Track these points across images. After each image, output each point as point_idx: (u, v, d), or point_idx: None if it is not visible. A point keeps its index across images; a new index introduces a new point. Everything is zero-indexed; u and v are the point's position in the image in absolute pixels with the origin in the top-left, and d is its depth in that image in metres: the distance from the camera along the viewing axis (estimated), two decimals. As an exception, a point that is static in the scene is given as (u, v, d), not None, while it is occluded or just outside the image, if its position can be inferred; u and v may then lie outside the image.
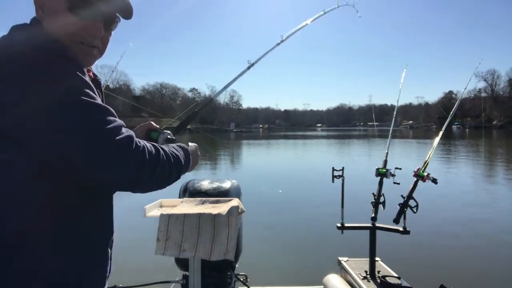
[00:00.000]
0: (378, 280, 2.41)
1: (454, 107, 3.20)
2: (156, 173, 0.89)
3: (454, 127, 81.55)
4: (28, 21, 0.96)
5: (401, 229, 2.42)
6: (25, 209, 0.82)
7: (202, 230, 1.86)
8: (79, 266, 0.90)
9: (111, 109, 0.86)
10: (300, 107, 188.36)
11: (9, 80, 0.78)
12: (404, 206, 2.40)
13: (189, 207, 2.04)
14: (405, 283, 2.35)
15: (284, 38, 1.83)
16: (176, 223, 1.87)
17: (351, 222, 2.58)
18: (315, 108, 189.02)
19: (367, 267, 2.52)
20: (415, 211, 2.36)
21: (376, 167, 2.61)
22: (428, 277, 4.01)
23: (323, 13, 2.10)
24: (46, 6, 0.93)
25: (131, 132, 0.87)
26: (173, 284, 2.29)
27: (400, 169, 2.57)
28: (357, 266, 2.60)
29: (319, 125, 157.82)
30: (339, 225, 2.57)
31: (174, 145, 1.09)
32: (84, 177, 0.83)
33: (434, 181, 2.44)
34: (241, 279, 2.44)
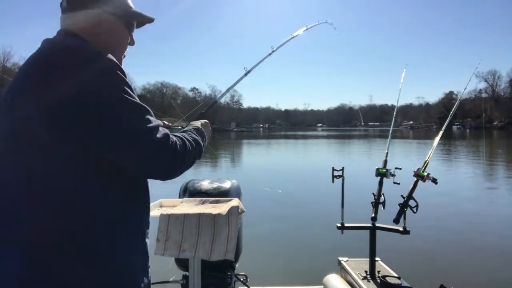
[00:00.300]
0: (378, 280, 2.41)
1: (454, 106, 3.19)
2: (185, 164, 1.04)
3: (455, 128, 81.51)
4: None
5: (401, 229, 2.42)
6: (90, 200, 0.92)
7: (202, 230, 1.86)
8: (133, 253, 1.01)
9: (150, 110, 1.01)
10: (301, 107, 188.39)
11: (83, 83, 0.90)
12: (404, 206, 2.40)
13: (189, 207, 2.04)
14: (405, 283, 2.35)
15: (274, 49, 2.00)
16: (176, 223, 1.87)
17: (351, 222, 2.58)
18: (315, 108, 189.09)
19: (367, 267, 2.52)
20: (415, 211, 2.36)
21: (376, 167, 2.61)
22: (428, 277, 4.01)
23: (306, 28, 2.38)
24: (106, 28, 1.09)
25: (167, 130, 1.00)
26: (173, 284, 2.30)
27: (400, 169, 2.57)
28: (357, 266, 2.60)
29: (320, 125, 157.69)
30: (339, 225, 2.57)
31: (193, 130, 1.21)
32: (133, 171, 0.98)
33: (434, 181, 2.44)
34: (241, 279, 2.44)
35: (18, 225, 0.91)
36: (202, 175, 2.45)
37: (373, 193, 2.57)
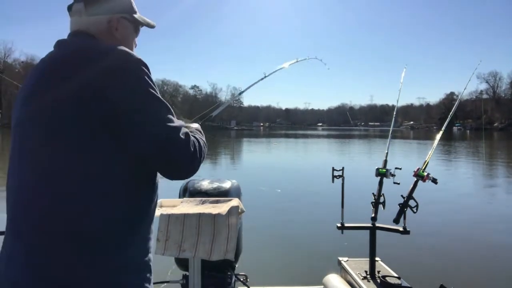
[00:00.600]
0: (378, 280, 2.41)
1: (454, 106, 3.20)
2: (200, 164, 1.08)
3: (455, 129, 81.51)
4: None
5: (401, 229, 2.42)
6: (118, 190, 0.95)
7: (202, 230, 1.86)
8: (137, 252, 1.03)
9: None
10: (301, 106, 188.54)
11: (114, 80, 0.94)
12: (404, 206, 2.40)
13: (189, 207, 2.04)
14: (405, 283, 2.35)
15: (266, 75, 2.15)
16: (176, 223, 1.87)
17: (351, 222, 2.58)
18: (316, 107, 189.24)
19: (367, 267, 2.52)
20: (415, 211, 2.36)
21: (376, 167, 2.61)
22: (428, 277, 4.02)
23: (296, 60, 2.52)
24: (120, 30, 1.16)
25: (187, 130, 1.04)
26: (173, 284, 2.30)
27: (400, 169, 2.57)
28: (357, 266, 2.60)
29: (320, 124, 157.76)
30: (339, 225, 2.57)
31: (196, 130, 1.24)
32: (157, 167, 1.02)
33: (434, 181, 2.44)
34: (241, 279, 2.44)
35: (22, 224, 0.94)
36: (202, 175, 2.44)
37: (373, 193, 2.57)
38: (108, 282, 0.93)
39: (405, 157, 18.12)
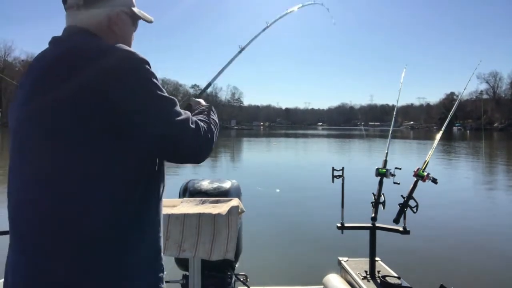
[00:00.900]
0: (378, 280, 2.41)
1: (454, 107, 3.19)
2: (212, 147, 1.09)
3: (455, 129, 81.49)
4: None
5: (401, 229, 2.42)
6: (118, 190, 0.94)
7: (202, 230, 1.86)
8: (151, 242, 1.06)
9: None
10: (301, 106, 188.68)
11: (117, 79, 0.92)
12: (404, 206, 2.40)
13: (189, 207, 2.04)
14: (405, 283, 2.35)
15: (268, 25, 1.97)
16: (176, 223, 1.87)
17: (351, 222, 2.58)
18: (316, 107, 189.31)
19: (367, 267, 2.52)
20: (415, 211, 2.36)
21: (376, 167, 2.60)
22: (428, 277, 4.02)
23: (301, 5, 2.34)
24: (120, 25, 1.12)
25: (195, 118, 1.05)
26: (173, 284, 2.29)
27: (400, 169, 2.57)
28: (357, 266, 2.60)
29: (320, 124, 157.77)
30: (339, 225, 2.57)
31: (207, 109, 1.24)
32: (171, 158, 1.02)
33: (434, 181, 2.44)
34: (241, 279, 2.44)
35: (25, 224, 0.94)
36: (202, 175, 2.44)
37: (373, 193, 2.57)
38: (108, 282, 0.93)
39: (405, 157, 18.12)
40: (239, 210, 1.95)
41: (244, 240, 2.43)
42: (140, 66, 0.97)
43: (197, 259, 2.03)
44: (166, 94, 0.99)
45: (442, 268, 4.54)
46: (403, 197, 2.41)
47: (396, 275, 2.46)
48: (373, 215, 2.52)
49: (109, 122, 0.91)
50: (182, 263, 2.23)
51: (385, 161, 2.67)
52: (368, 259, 2.52)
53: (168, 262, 2.26)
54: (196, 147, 1.01)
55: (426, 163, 2.52)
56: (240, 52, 1.79)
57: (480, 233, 6.20)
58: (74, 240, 0.90)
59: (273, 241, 5.56)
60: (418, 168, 2.46)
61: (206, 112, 1.21)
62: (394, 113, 3.19)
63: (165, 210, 1.96)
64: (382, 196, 2.54)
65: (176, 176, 10.03)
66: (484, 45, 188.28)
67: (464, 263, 4.87)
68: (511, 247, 5.49)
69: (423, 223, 5.71)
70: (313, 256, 4.89)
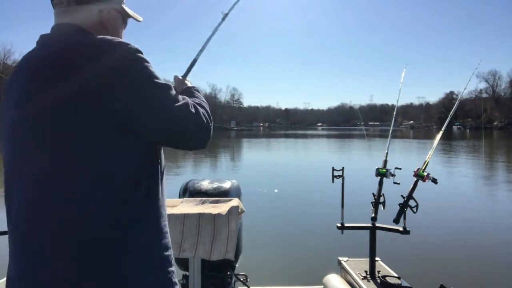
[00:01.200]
0: (378, 280, 2.41)
1: (454, 106, 3.19)
2: (212, 127, 1.08)
3: (455, 128, 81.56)
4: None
5: (401, 229, 2.42)
6: (119, 190, 0.93)
7: (202, 230, 1.86)
8: (154, 242, 1.04)
9: None
10: (301, 106, 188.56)
11: (116, 73, 0.92)
12: (404, 206, 2.40)
13: (189, 207, 2.04)
14: (405, 283, 2.35)
15: (226, 12, 1.90)
16: (176, 223, 1.87)
17: (351, 222, 2.58)
18: (315, 107, 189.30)
19: (367, 267, 2.52)
20: (415, 211, 2.36)
21: (376, 167, 2.61)
22: (428, 277, 4.02)
23: None
24: (112, 22, 1.11)
25: (192, 101, 1.04)
26: None
27: (400, 169, 2.57)
28: (357, 266, 2.61)
29: (320, 124, 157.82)
30: (339, 225, 2.57)
31: (195, 91, 1.26)
32: (177, 145, 1.04)
33: (434, 181, 2.44)
34: (241, 279, 2.44)
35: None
36: (202, 175, 2.44)
37: (373, 193, 2.57)
38: (108, 283, 0.93)
39: (405, 156, 18.12)
40: (239, 210, 1.95)
41: (244, 240, 2.43)
42: (136, 58, 0.96)
43: (197, 259, 2.03)
44: (162, 81, 0.99)
45: (442, 268, 4.54)
46: (403, 197, 2.41)
47: (396, 275, 2.46)
48: (373, 215, 2.52)
49: (109, 120, 0.91)
50: (182, 263, 2.23)
51: (385, 161, 2.67)
52: (368, 259, 2.52)
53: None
54: (200, 131, 1.02)
55: (426, 163, 2.52)
56: (223, 19, 1.74)
57: (480, 233, 6.20)
58: (74, 240, 0.90)
59: (273, 241, 5.56)
60: (418, 168, 2.46)
61: (197, 93, 1.24)
62: (394, 113, 3.19)
63: (165, 210, 1.96)
64: (382, 196, 2.54)
65: (176, 176, 10.04)
66: (484, 45, 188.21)
67: (464, 263, 4.87)
68: (511, 247, 5.49)
69: (423, 223, 5.71)
70: (313, 256, 4.89)
